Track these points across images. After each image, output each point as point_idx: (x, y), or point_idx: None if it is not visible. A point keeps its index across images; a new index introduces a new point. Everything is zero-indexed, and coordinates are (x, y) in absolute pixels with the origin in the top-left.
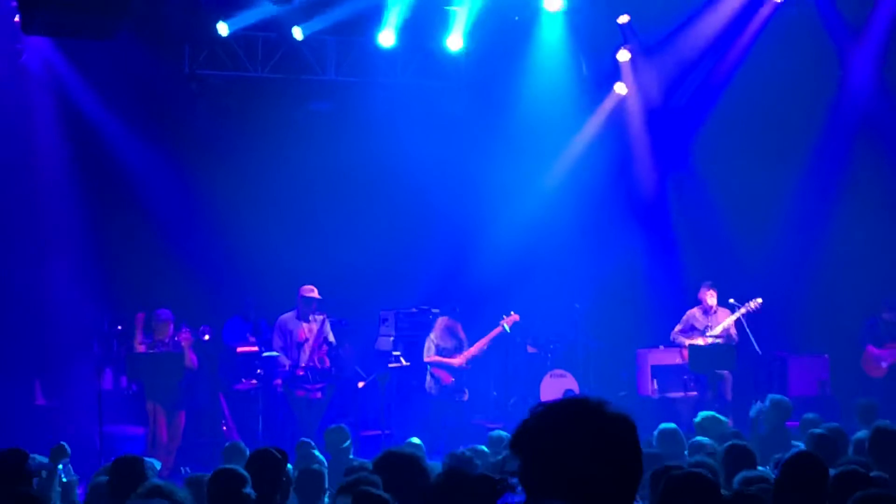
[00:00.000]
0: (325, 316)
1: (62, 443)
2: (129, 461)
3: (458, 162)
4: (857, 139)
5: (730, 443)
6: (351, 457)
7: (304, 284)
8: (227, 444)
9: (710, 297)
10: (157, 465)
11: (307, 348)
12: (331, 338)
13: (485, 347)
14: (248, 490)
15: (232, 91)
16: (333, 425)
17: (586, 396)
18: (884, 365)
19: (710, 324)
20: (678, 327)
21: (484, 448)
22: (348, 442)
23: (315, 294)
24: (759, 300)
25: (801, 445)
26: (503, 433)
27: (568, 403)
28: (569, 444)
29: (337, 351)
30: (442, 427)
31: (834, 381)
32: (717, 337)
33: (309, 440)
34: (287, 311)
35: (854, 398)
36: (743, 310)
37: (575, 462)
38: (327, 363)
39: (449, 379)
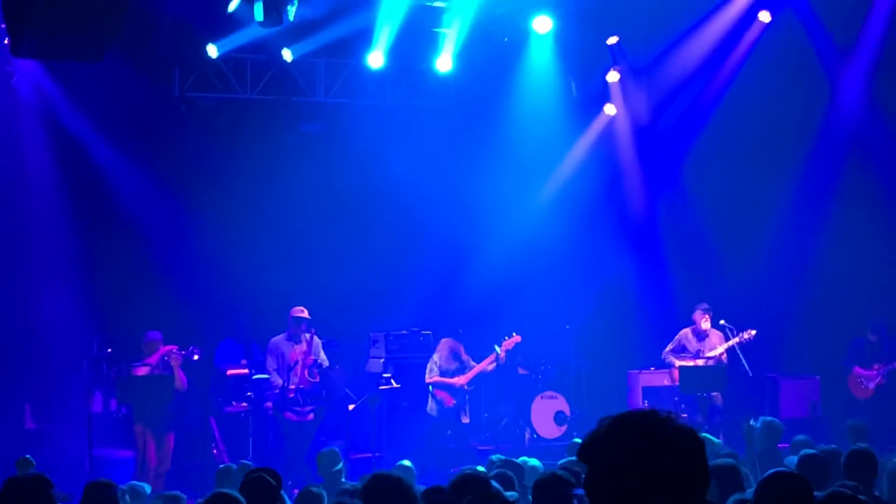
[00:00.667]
0: (313, 332)
1: (27, 456)
2: (101, 486)
3: (449, 183)
4: (846, 160)
5: (718, 461)
6: (343, 480)
7: (295, 306)
8: (220, 466)
9: (705, 322)
10: (148, 488)
11: (298, 370)
12: (322, 357)
13: (490, 367)
14: None
15: (221, 113)
16: (326, 448)
17: (654, 409)
18: (871, 385)
19: (702, 348)
20: (669, 346)
21: (481, 468)
22: (340, 465)
23: (305, 314)
24: (754, 332)
25: (794, 466)
26: (501, 456)
27: (636, 414)
28: (637, 454)
29: (327, 373)
30: (435, 449)
31: (824, 402)
32: (707, 359)
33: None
34: (278, 334)
35: (845, 419)
36: (737, 339)
37: (642, 471)
38: (317, 378)
39: (451, 401)
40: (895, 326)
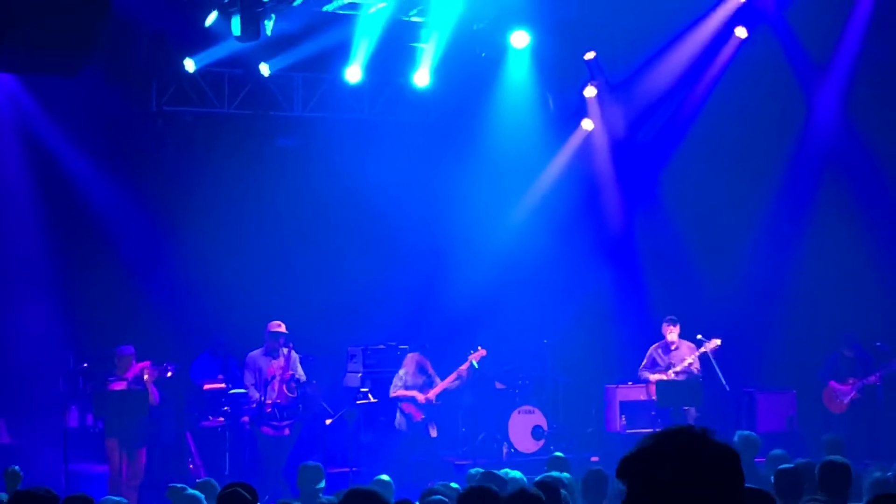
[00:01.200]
0: (291, 346)
1: (15, 467)
2: (78, 501)
3: (426, 197)
4: (822, 174)
5: None
6: (321, 496)
7: (273, 320)
8: (198, 481)
9: (671, 334)
10: (125, 502)
11: (275, 384)
12: (300, 373)
13: (454, 383)
14: None
15: (199, 127)
16: (311, 463)
17: (691, 426)
18: (845, 400)
19: (672, 361)
20: (643, 363)
21: (455, 485)
22: (322, 483)
23: (282, 329)
24: (718, 341)
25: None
26: (480, 470)
27: (675, 432)
28: (675, 471)
29: (304, 387)
30: (411, 464)
31: (801, 416)
32: (679, 373)
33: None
34: (255, 349)
35: (821, 434)
36: (703, 349)
37: (682, 488)
38: (295, 393)
39: (419, 416)
40: (870, 341)
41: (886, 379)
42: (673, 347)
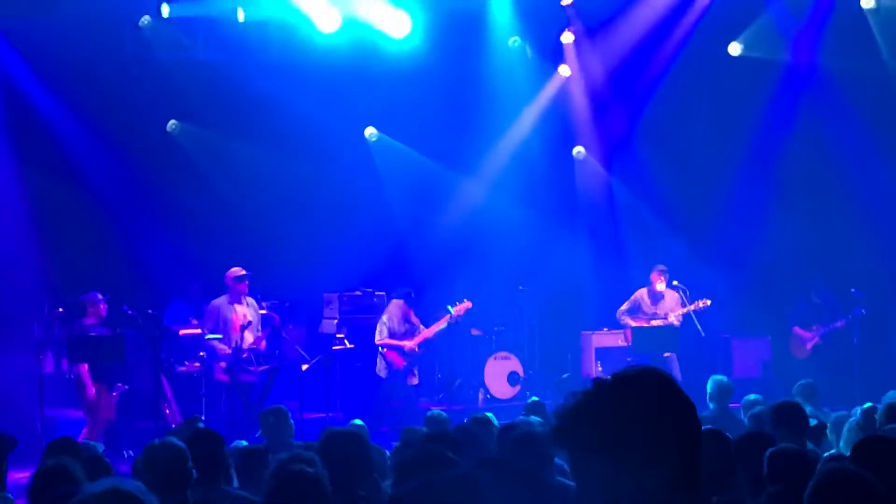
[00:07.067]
0: (255, 300)
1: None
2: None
3: (404, 144)
4: (798, 121)
5: None
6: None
7: (235, 267)
8: (172, 426)
9: (660, 283)
10: (100, 447)
11: (251, 331)
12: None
13: (435, 332)
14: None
15: (174, 73)
16: (272, 406)
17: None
18: (808, 346)
19: (658, 311)
20: (625, 306)
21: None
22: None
23: (243, 272)
24: (709, 301)
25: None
26: (442, 413)
27: (644, 370)
28: (650, 409)
29: (279, 333)
30: (389, 410)
31: (776, 362)
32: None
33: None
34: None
35: (796, 379)
36: (692, 307)
37: (655, 426)
38: (263, 346)
39: (401, 363)
40: (846, 287)
41: (851, 325)
42: (661, 297)
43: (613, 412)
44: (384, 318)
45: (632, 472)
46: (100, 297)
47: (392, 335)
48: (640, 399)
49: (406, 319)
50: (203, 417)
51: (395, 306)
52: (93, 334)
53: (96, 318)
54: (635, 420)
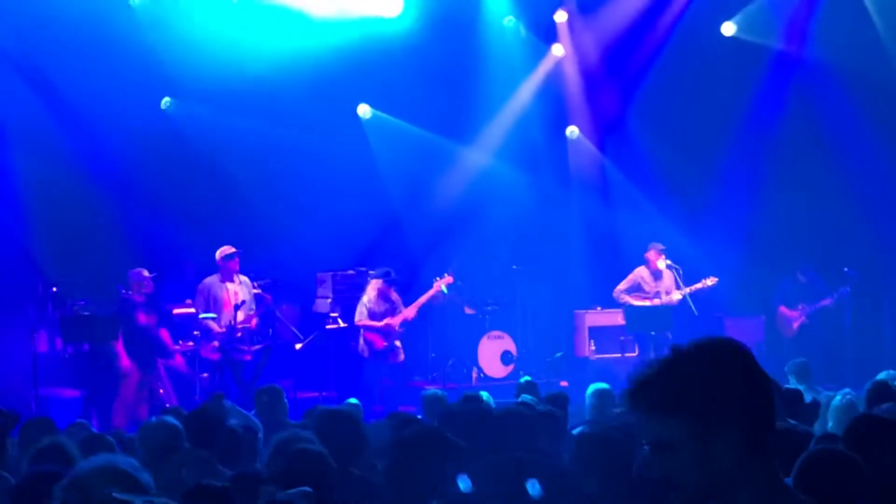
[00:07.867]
0: (249, 279)
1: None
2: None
3: (397, 121)
4: (790, 100)
5: None
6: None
7: (226, 245)
8: (167, 406)
9: (660, 261)
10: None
11: (243, 310)
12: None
13: (417, 308)
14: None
15: (166, 53)
16: (265, 385)
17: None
18: (794, 325)
19: (659, 289)
20: (624, 285)
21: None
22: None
23: (232, 250)
24: (716, 279)
25: None
26: (438, 392)
27: (723, 340)
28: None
29: (272, 311)
30: (379, 388)
31: (769, 341)
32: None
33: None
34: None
35: (789, 359)
36: (699, 285)
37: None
38: (254, 325)
39: (382, 343)
40: (832, 268)
41: (839, 303)
42: (661, 275)
43: (690, 379)
44: (364, 298)
45: (704, 437)
46: (145, 273)
47: (372, 315)
48: (716, 366)
49: (386, 298)
50: (224, 395)
51: (373, 286)
52: (86, 314)
53: (142, 297)
54: (710, 386)
